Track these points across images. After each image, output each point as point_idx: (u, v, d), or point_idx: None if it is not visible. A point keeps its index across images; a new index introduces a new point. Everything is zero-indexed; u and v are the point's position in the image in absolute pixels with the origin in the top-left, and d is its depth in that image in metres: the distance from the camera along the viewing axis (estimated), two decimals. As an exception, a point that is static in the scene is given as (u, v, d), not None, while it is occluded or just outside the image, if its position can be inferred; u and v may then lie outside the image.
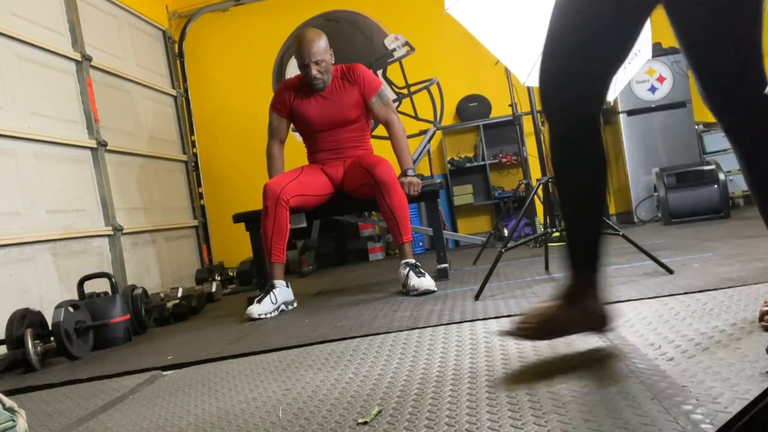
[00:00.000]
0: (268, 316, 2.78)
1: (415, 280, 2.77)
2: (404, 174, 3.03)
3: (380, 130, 3.46)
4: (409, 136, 3.27)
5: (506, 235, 4.02)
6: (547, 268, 2.91)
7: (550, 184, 2.80)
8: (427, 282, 2.75)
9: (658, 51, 5.08)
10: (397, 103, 4.48)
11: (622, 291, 2.07)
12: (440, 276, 3.12)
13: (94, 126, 4.22)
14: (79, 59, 4.19)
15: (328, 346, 1.95)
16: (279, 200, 2.85)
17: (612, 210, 5.70)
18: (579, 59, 1.32)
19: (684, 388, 1.08)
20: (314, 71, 2.99)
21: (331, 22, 4.28)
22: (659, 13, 1.31)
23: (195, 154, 5.96)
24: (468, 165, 5.74)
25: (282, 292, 2.88)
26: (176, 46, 6.01)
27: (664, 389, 1.09)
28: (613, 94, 2.53)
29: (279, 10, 5.88)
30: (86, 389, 1.94)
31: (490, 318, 1.97)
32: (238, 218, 3.20)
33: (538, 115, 3.16)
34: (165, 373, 2.03)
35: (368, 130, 3.26)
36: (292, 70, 4.15)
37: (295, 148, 3.70)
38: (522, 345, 1.56)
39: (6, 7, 3.56)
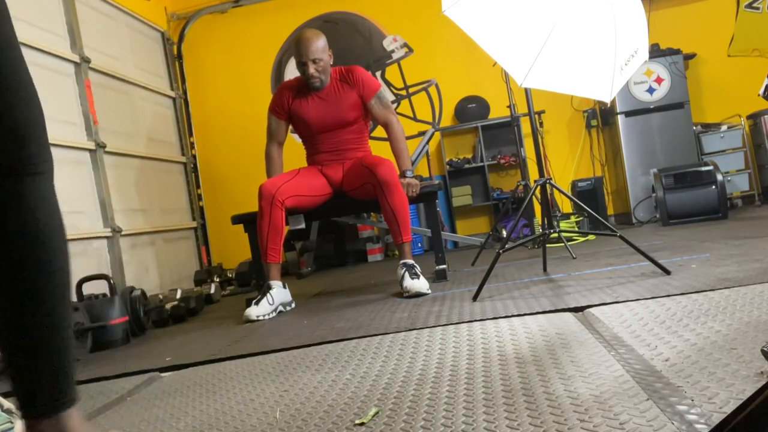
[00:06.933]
0: (266, 317, 2.79)
1: (408, 282, 2.77)
2: (403, 175, 3.03)
3: (379, 131, 3.46)
4: (407, 138, 3.27)
5: (505, 236, 4.02)
6: (545, 268, 2.91)
7: (547, 185, 2.80)
8: (419, 284, 2.75)
9: (656, 52, 5.10)
10: (395, 105, 4.49)
11: (619, 291, 2.08)
12: (438, 277, 3.13)
13: (93, 128, 4.22)
14: (78, 61, 4.20)
15: (326, 347, 1.96)
16: (274, 201, 2.85)
17: (610, 211, 5.70)
18: None
19: (679, 389, 1.09)
20: (312, 69, 2.99)
21: (330, 24, 4.29)
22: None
23: (194, 156, 5.96)
24: (466, 166, 5.74)
25: (279, 292, 2.88)
26: (175, 47, 6.01)
27: (660, 389, 1.10)
28: (610, 95, 2.53)
29: (278, 12, 5.88)
30: (84, 391, 1.94)
31: (487, 319, 1.97)
32: (236, 219, 3.20)
33: (536, 116, 3.17)
34: (163, 374, 2.03)
35: (367, 131, 3.27)
36: (291, 71, 4.16)
37: (294, 150, 3.71)
38: (519, 346, 1.56)
39: (4, 9, 3.56)
